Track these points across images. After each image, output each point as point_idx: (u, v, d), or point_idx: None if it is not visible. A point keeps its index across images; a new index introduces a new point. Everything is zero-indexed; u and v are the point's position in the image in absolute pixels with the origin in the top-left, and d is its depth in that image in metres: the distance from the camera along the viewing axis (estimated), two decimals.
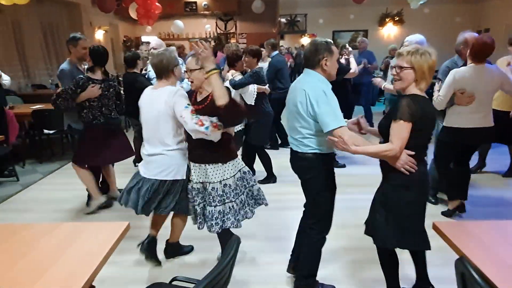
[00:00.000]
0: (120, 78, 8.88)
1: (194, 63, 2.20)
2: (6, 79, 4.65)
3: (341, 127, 1.93)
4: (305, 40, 15.05)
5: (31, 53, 8.25)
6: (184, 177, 2.41)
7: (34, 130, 5.52)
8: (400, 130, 1.83)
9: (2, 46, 7.38)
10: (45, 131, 5.31)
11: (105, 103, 3.40)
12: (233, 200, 2.33)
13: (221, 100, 2.05)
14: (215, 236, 2.44)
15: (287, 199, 3.66)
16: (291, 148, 2.26)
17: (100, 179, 3.84)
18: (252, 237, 3.06)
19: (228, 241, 1.48)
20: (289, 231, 3.00)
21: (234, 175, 2.34)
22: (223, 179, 2.30)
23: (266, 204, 2.54)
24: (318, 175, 2.16)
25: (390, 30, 10.99)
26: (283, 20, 10.87)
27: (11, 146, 4.82)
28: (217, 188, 2.30)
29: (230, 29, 12.87)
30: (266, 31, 12.91)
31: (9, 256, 1.51)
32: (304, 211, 2.47)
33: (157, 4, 8.18)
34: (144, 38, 12.96)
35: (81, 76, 3.35)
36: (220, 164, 2.30)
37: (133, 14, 8.38)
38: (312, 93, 1.99)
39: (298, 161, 2.21)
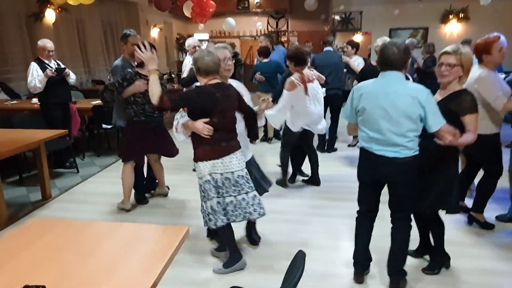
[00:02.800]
0: (173, 75, 9.11)
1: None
2: (72, 78, 4.88)
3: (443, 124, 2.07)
4: (358, 38, 14.52)
5: (92, 50, 8.67)
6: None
7: (94, 124, 5.76)
8: (476, 120, 2.20)
9: (67, 43, 7.81)
10: (103, 125, 5.51)
11: (149, 101, 3.40)
12: (210, 199, 2.40)
13: (152, 99, 2.30)
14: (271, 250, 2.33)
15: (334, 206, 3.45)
16: (377, 155, 2.16)
17: (145, 176, 3.92)
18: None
19: (295, 257, 1.37)
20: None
21: (210, 174, 2.39)
22: (199, 177, 2.44)
23: (258, 216, 2.51)
24: (414, 178, 2.19)
25: (453, 28, 10.25)
26: (336, 17, 10.52)
27: (73, 139, 5.05)
28: (199, 184, 2.46)
29: (281, 27, 12.73)
30: (318, 29, 12.62)
31: (78, 255, 1.51)
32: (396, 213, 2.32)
33: (211, 2, 8.23)
34: (196, 36, 13.21)
35: (129, 70, 3.36)
36: (196, 162, 2.44)
37: (187, 12, 8.50)
38: (420, 95, 2.02)
39: (395, 166, 2.14)
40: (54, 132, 3.88)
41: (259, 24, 12.77)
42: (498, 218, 3.29)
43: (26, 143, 3.46)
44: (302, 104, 3.74)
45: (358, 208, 2.43)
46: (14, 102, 5.68)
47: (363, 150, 2.25)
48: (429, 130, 2.06)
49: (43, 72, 4.46)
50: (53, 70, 4.51)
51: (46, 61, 4.61)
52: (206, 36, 13.40)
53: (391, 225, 2.34)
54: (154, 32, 10.87)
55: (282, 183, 4.19)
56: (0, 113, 5.16)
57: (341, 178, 4.42)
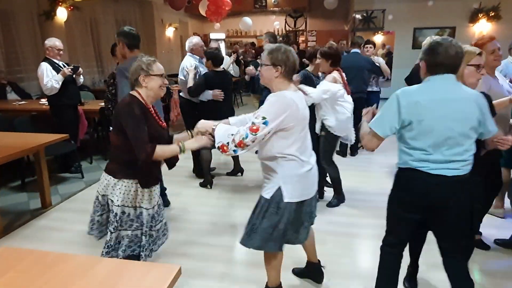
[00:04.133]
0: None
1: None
2: (81, 78, 4.74)
3: None
4: (379, 38, 13.99)
5: (106, 50, 8.52)
6: None
7: (102, 126, 5.56)
8: None
9: (80, 43, 7.68)
10: (111, 128, 5.29)
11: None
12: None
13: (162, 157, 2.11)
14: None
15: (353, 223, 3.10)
16: (433, 175, 1.78)
17: None
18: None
19: None
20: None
21: None
22: None
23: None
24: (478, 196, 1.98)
25: (482, 28, 9.66)
26: (357, 16, 10.08)
27: (79, 143, 4.85)
28: None
29: (299, 26, 12.37)
30: (338, 28, 12.19)
31: None
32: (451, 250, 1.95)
33: (227, 0, 7.97)
34: (212, 35, 13.00)
35: None
36: None
37: (202, 10, 8.26)
38: (478, 98, 1.79)
39: (456, 186, 1.79)
40: (55, 136, 3.66)
41: (276, 24, 12.43)
42: (496, 242, 2.93)
43: (23, 148, 3.24)
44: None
45: (385, 238, 2.07)
46: (23, 102, 5.53)
47: (409, 172, 1.84)
48: (488, 135, 1.86)
49: (56, 72, 4.28)
50: (70, 69, 4.35)
51: (56, 61, 4.42)
52: (222, 35, 13.17)
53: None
54: (169, 32, 10.69)
55: (339, 200, 3.76)
56: (8, 114, 5.00)
57: (361, 190, 4.06)
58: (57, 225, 3.35)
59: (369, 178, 4.49)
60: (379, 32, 11.21)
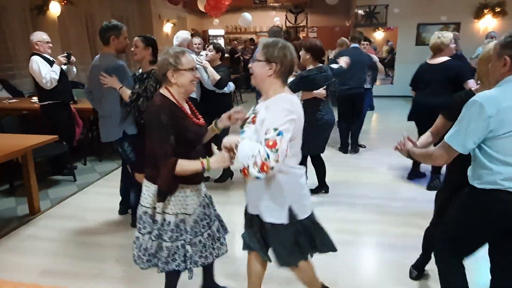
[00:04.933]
0: None
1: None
2: (74, 70, 4.52)
3: None
4: (379, 35, 13.73)
5: (102, 46, 8.27)
6: None
7: (96, 126, 5.34)
8: None
9: (75, 38, 7.43)
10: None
11: None
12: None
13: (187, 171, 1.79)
14: None
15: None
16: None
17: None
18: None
19: None
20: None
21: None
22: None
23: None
24: None
25: (488, 23, 9.43)
26: (360, 11, 9.83)
27: (75, 143, 4.63)
28: None
29: (300, 22, 12.13)
30: (339, 24, 11.95)
31: None
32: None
33: None
34: (211, 32, 12.75)
35: (140, 72, 2.95)
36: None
37: (200, 5, 8.03)
38: None
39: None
40: (44, 138, 3.44)
41: (276, 19, 12.19)
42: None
43: (8, 151, 3.02)
44: None
45: (448, 249, 1.87)
46: (13, 101, 5.30)
47: (499, 195, 1.57)
48: None
49: (50, 66, 4.07)
50: (64, 56, 4.16)
51: (46, 55, 4.19)
52: (221, 31, 12.92)
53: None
54: (167, 28, 10.44)
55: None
56: None
57: (371, 193, 3.86)
58: (44, 234, 3.14)
59: (374, 178, 4.29)
60: (380, 28, 10.99)
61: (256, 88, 1.79)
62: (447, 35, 3.52)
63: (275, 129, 1.51)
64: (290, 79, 3.25)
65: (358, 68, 4.94)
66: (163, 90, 1.81)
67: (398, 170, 4.49)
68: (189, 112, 1.86)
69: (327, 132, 3.56)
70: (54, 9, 6.32)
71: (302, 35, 12.59)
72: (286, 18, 12.12)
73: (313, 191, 3.74)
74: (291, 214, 1.72)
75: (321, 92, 3.32)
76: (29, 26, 6.30)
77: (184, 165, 1.70)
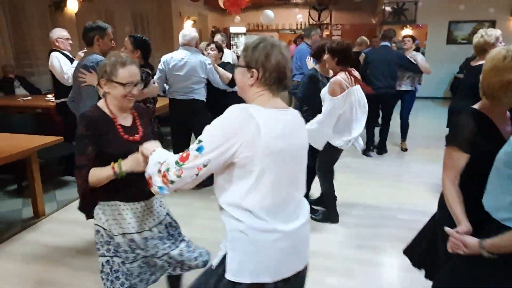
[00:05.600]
0: None
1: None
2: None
3: None
4: (406, 32, 13.09)
5: (121, 43, 8.19)
6: None
7: None
8: None
9: None
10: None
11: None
12: None
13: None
14: None
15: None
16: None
17: None
18: None
19: None
20: None
21: None
22: None
23: None
24: None
25: None
26: (387, 8, 9.39)
27: None
28: None
29: (324, 20, 11.74)
30: (365, 22, 11.52)
31: None
32: None
33: None
34: (232, 29, 12.55)
35: (144, 70, 2.82)
36: None
37: (220, 2, 7.82)
38: None
39: None
40: (49, 139, 3.30)
41: (299, 17, 11.86)
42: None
43: (10, 153, 2.89)
44: (349, 112, 2.93)
45: None
46: (28, 98, 5.24)
47: None
48: None
49: (70, 62, 3.99)
50: (84, 52, 4.03)
51: (66, 52, 4.12)
52: (242, 29, 12.70)
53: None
54: (188, 25, 10.29)
55: (331, 218, 3.23)
56: (11, 110, 4.71)
57: (395, 206, 3.53)
58: (47, 240, 2.99)
59: (400, 190, 3.94)
60: (408, 26, 10.44)
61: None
62: (492, 33, 3.04)
63: (199, 141, 1.20)
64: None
65: (386, 68, 4.68)
66: (101, 100, 1.72)
67: (427, 178, 4.13)
68: (123, 125, 1.69)
69: None
70: (72, 6, 6.25)
71: (326, 33, 12.21)
72: (309, 15, 11.76)
73: (318, 218, 3.26)
74: (222, 265, 1.30)
75: None
76: (47, 23, 6.27)
77: (95, 173, 1.57)
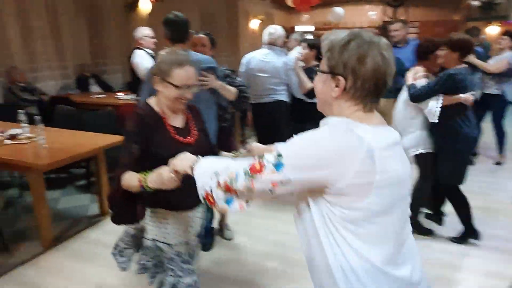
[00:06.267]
0: None
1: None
2: None
3: None
4: (492, 30, 11.60)
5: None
6: None
7: None
8: None
9: (163, 35, 7.55)
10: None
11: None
12: None
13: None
14: None
15: None
16: None
17: None
18: None
19: None
20: None
21: None
22: None
23: None
24: None
25: None
26: (474, 3, 8.43)
27: None
28: None
29: (399, 17, 10.93)
30: (446, 19, 10.51)
31: None
32: None
33: None
34: (298, 28, 12.23)
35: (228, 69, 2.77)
36: None
37: (289, 1, 7.57)
38: None
39: None
40: (116, 138, 3.29)
41: (371, 14, 11.17)
42: None
43: (78, 152, 2.90)
44: None
45: None
46: (101, 96, 5.45)
47: None
48: None
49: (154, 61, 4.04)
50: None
51: (149, 50, 4.14)
52: (309, 28, 12.33)
53: None
54: (254, 24, 10.20)
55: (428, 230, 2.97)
56: (84, 107, 4.90)
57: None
58: (108, 241, 2.95)
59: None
60: (494, 22, 9.20)
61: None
62: None
63: (279, 155, 0.93)
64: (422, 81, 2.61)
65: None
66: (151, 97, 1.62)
67: None
68: (174, 125, 1.56)
69: (468, 150, 2.80)
70: (145, 6, 6.42)
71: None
72: (384, 11, 11.03)
73: (457, 240, 2.86)
74: None
75: (468, 97, 2.57)
76: (122, 23, 6.51)
77: (126, 178, 1.43)
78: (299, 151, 0.94)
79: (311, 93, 3.10)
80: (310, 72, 3.15)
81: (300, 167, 0.92)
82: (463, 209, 2.80)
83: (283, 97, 3.40)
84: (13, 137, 3.12)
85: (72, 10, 5.81)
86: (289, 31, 12.20)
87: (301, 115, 3.28)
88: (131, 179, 1.40)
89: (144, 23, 6.63)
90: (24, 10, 5.12)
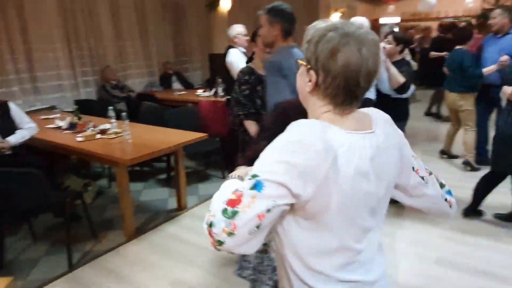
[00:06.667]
0: None
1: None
2: None
3: None
4: None
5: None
6: None
7: None
8: None
9: (217, 32, 7.53)
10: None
11: None
12: None
13: None
14: None
15: None
16: None
17: None
18: None
19: None
20: None
21: None
22: None
23: None
24: None
25: None
26: None
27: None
28: None
29: (504, 3, 9.62)
30: None
31: None
32: None
33: None
34: (382, 20, 11.48)
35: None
36: None
37: None
38: None
39: None
40: (195, 135, 3.33)
41: (468, 1, 10.00)
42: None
43: (156, 149, 2.97)
44: None
45: None
46: (182, 93, 5.64)
47: None
48: None
49: (249, 60, 4.06)
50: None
51: (242, 48, 4.14)
52: (397, 19, 11.50)
53: None
54: (335, 18, 9.80)
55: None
56: (166, 103, 5.11)
57: None
58: (185, 236, 3.02)
59: None
60: None
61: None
62: None
63: (254, 176, 0.80)
64: None
65: None
66: None
67: None
68: None
69: None
70: (225, 5, 6.50)
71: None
72: None
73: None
74: None
75: None
76: (203, 22, 6.68)
77: (226, 184, 1.23)
78: (270, 159, 0.81)
79: (402, 89, 2.87)
80: (401, 66, 2.88)
81: (279, 177, 0.78)
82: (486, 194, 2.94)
83: (371, 95, 3.11)
84: (103, 132, 3.34)
85: (158, 10, 6.11)
86: (373, 23, 11.51)
87: (387, 113, 2.97)
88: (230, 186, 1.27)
89: (224, 21, 6.73)
90: (116, 12, 5.51)
